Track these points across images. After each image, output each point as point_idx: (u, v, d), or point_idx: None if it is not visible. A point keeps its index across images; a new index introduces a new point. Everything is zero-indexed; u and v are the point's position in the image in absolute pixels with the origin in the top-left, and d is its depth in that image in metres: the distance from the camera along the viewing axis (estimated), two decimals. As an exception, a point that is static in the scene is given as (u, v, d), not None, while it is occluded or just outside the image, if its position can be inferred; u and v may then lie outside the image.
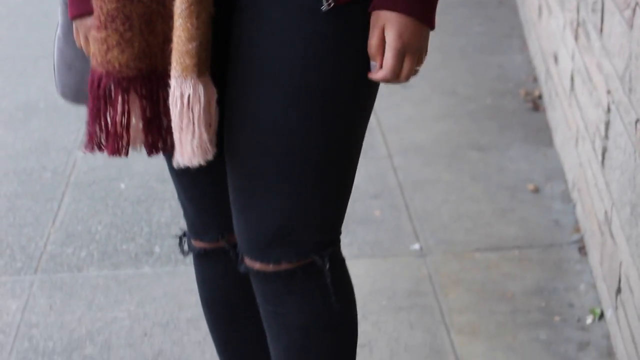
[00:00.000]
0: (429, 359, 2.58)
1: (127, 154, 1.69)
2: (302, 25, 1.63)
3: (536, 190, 3.34)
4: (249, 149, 1.70)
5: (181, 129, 1.64)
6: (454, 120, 3.86)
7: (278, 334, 1.84)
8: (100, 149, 1.69)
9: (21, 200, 3.41)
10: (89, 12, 1.66)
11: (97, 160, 3.55)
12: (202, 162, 1.66)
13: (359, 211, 3.23)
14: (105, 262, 3.04)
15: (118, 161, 3.50)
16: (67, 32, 1.76)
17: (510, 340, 2.64)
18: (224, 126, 1.72)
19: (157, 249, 3.09)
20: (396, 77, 1.64)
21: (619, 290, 2.51)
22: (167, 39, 1.63)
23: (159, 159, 1.79)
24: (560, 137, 3.51)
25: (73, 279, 2.96)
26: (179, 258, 3.01)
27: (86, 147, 1.69)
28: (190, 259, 2.04)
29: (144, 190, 3.44)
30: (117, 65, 1.63)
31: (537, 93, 4.01)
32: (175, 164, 1.68)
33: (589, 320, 2.70)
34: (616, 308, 2.54)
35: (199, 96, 1.62)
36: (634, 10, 2.38)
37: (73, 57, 1.77)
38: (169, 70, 1.63)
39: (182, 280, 2.91)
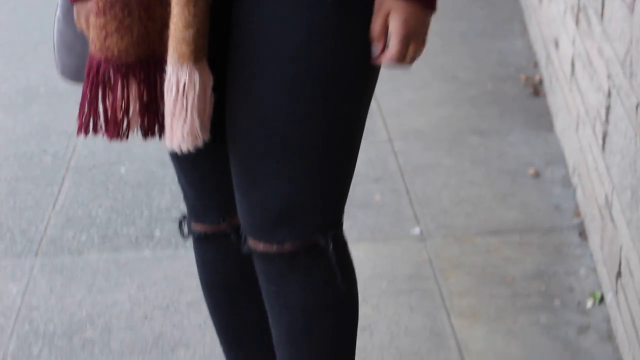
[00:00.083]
0: (429, 342, 2.59)
1: (127, 137, 1.69)
2: (304, 9, 1.63)
3: (537, 175, 3.34)
4: (252, 132, 1.70)
5: (173, 114, 1.64)
6: (454, 105, 3.86)
7: (280, 314, 1.84)
8: (95, 132, 1.69)
9: (22, 184, 3.41)
10: (89, -5, 1.66)
11: (98, 144, 3.56)
12: (191, 149, 1.67)
13: (359, 195, 3.23)
14: (106, 246, 3.04)
15: (118, 145, 3.50)
16: (67, 14, 1.75)
17: (510, 324, 2.64)
18: (227, 110, 1.73)
19: (157, 233, 3.10)
20: (401, 61, 1.65)
21: (619, 274, 2.51)
22: (165, 25, 1.63)
23: (159, 143, 1.79)
24: (560, 121, 3.51)
25: (73, 263, 2.97)
26: (179, 242, 3.02)
27: (79, 131, 1.69)
28: (190, 242, 2.04)
29: (145, 174, 3.44)
30: (115, 51, 1.63)
31: (537, 78, 4.01)
32: (166, 148, 1.69)
33: (589, 304, 2.70)
34: (616, 292, 2.54)
35: (195, 83, 1.62)
36: (635, -6, 2.38)
37: (73, 38, 1.77)
38: (167, 55, 1.63)
39: (183, 264, 2.91)
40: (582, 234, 2.99)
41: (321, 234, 1.76)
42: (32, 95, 4.07)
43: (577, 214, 3.09)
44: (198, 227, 1.96)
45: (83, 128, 1.69)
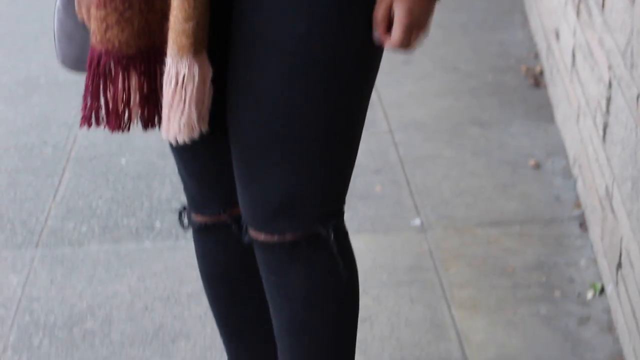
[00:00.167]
0: (429, 333, 2.59)
1: (129, 129, 1.70)
2: (305, 0, 1.63)
3: (537, 166, 3.34)
4: (253, 123, 1.70)
5: (171, 106, 1.64)
6: (455, 97, 3.85)
7: (281, 304, 1.85)
8: (98, 124, 1.69)
9: (22, 175, 3.41)
10: (90, -15, 1.66)
11: (98, 135, 3.55)
12: (187, 140, 1.67)
13: (360, 186, 3.23)
14: (106, 237, 3.04)
15: (119, 136, 3.49)
16: (67, 4, 1.75)
17: (510, 315, 2.64)
18: (228, 102, 1.73)
19: (157, 224, 3.10)
20: (404, 48, 1.65)
21: (619, 265, 2.51)
22: (166, 16, 1.62)
23: (160, 134, 1.79)
24: (561, 113, 3.51)
25: (74, 254, 2.97)
26: (179, 233, 3.02)
27: (83, 123, 1.70)
28: (190, 233, 2.04)
29: (145, 166, 3.44)
30: (116, 43, 1.63)
31: (538, 69, 4.01)
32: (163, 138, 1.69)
33: (590, 295, 2.70)
34: (617, 283, 2.54)
35: (194, 76, 1.62)
36: (636, -15, 2.38)
37: (73, 28, 1.77)
38: (167, 47, 1.63)
39: (183, 255, 2.92)
40: (583, 225, 2.99)
41: (322, 224, 1.76)
42: (33, 86, 4.07)
43: (578, 205, 3.09)
44: (198, 218, 1.96)
45: (86, 120, 1.69)
